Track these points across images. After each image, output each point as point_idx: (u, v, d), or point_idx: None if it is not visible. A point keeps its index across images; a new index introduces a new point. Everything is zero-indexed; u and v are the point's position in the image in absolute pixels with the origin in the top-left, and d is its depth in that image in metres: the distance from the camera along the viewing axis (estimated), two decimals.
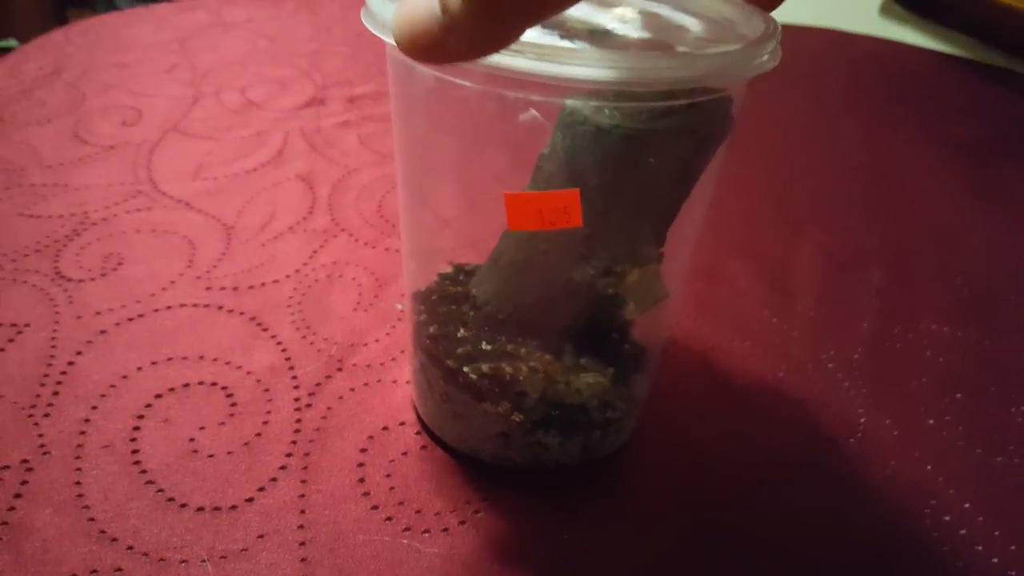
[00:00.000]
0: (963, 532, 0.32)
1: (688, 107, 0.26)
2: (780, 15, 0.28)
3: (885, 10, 1.16)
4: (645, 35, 0.29)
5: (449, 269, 0.33)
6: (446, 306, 0.32)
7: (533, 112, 0.26)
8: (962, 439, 0.37)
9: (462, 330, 0.31)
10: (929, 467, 0.35)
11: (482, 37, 0.18)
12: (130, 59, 0.72)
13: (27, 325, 0.38)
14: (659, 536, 0.31)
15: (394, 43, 0.21)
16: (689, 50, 0.27)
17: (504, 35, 0.18)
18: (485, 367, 0.30)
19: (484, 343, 0.30)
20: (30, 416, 0.33)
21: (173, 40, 0.77)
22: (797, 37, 0.97)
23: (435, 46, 0.19)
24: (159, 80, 0.68)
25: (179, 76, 0.69)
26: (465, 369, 0.30)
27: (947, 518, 0.33)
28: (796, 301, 0.46)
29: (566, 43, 0.28)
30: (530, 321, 0.31)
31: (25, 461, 0.32)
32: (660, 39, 0.29)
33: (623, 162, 0.27)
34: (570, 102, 0.26)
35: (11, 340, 0.37)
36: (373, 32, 0.24)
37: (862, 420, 0.37)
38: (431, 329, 0.32)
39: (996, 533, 0.32)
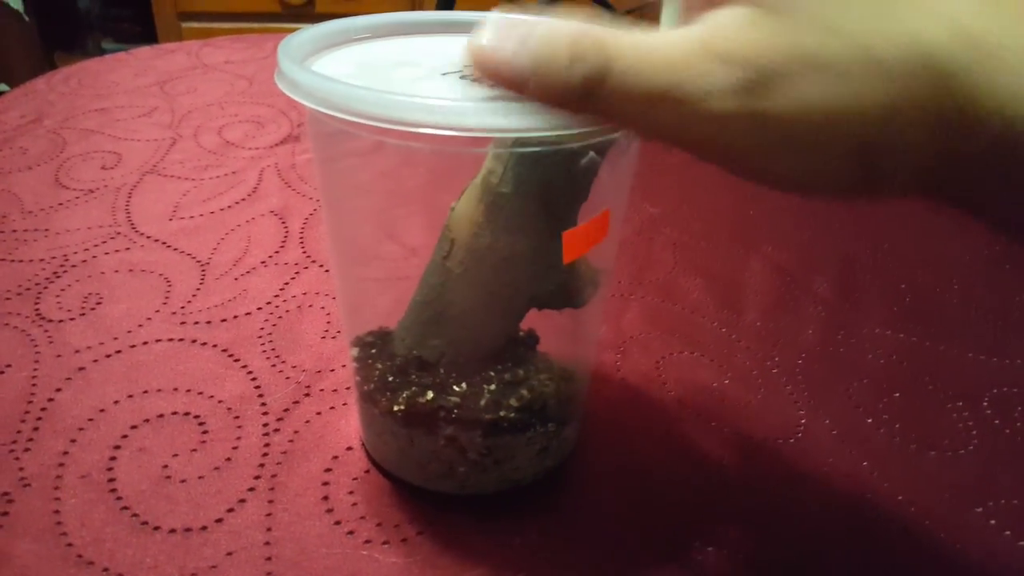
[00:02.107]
0: (895, 524, 0.34)
1: None
2: None
3: None
4: None
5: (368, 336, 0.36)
6: (375, 362, 0.34)
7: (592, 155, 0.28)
8: (898, 436, 0.39)
9: (391, 377, 0.33)
10: (865, 463, 0.37)
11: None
12: (111, 104, 0.74)
13: (8, 366, 0.40)
14: (607, 544, 0.33)
15: (320, 109, 0.24)
16: None
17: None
18: (422, 399, 0.32)
19: (415, 388, 0.33)
20: (11, 451, 0.35)
21: (153, 84, 0.80)
22: None
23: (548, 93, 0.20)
24: (138, 124, 0.70)
25: (158, 119, 0.72)
26: (396, 408, 0.32)
27: (881, 510, 0.35)
28: (744, 314, 0.48)
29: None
30: (468, 354, 0.34)
31: (6, 494, 0.33)
32: None
33: (588, 178, 0.29)
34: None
35: None
36: (289, 95, 0.27)
37: (802, 422, 0.39)
38: (366, 387, 0.34)
39: (927, 522, 0.34)
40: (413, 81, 0.32)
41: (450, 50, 0.34)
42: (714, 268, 0.52)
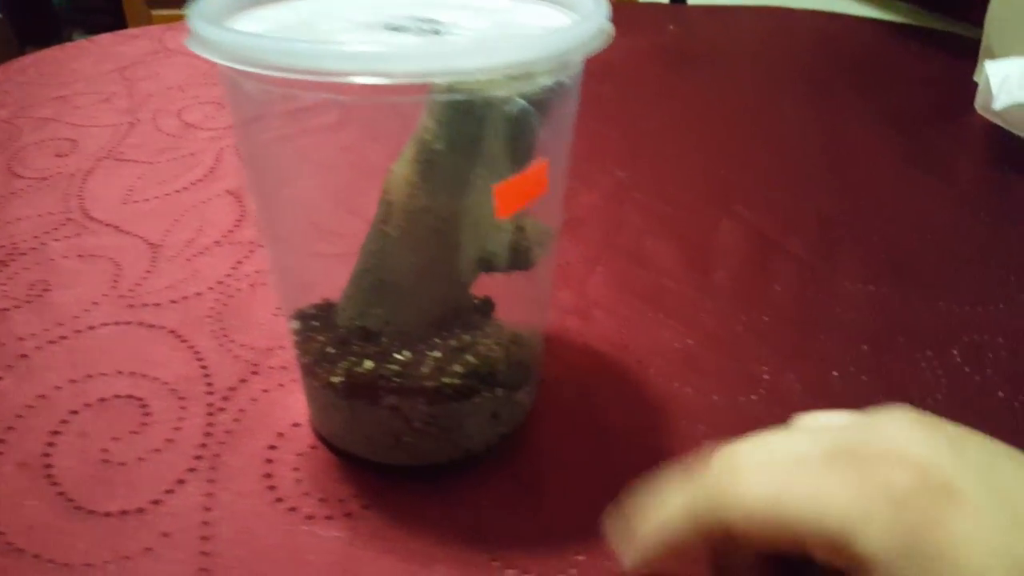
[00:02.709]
0: None
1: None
2: None
3: None
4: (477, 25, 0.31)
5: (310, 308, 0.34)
6: (316, 334, 0.33)
7: None
8: (865, 387, 0.38)
9: (330, 349, 0.32)
10: None
11: None
12: (70, 92, 0.73)
13: None
14: (563, 511, 0.32)
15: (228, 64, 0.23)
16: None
17: None
18: (360, 368, 0.31)
19: (352, 358, 0.31)
20: None
21: (114, 70, 0.78)
22: (738, 17, 0.98)
23: None
24: (96, 110, 0.69)
25: (117, 104, 0.70)
26: (334, 380, 0.31)
27: None
28: (713, 275, 0.47)
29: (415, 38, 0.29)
30: (414, 321, 0.32)
31: None
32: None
33: (525, 131, 0.28)
34: (452, 81, 0.27)
35: None
36: (202, 56, 0.25)
37: (766, 378, 0.38)
38: (304, 359, 0.33)
39: None
40: (333, 33, 0.31)
41: (374, 3, 0.32)
42: (684, 231, 0.51)
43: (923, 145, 0.64)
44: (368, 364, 0.31)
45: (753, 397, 0.37)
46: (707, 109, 0.70)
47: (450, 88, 0.27)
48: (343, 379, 0.31)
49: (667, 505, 0.27)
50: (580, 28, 0.27)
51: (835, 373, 0.38)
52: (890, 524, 0.22)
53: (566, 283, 0.45)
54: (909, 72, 0.80)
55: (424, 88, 0.27)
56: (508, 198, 0.27)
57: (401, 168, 0.30)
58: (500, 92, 0.27)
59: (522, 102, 0.26)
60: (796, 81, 0.76)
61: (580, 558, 0.30)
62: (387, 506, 0.32)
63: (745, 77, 0.77)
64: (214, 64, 0.26)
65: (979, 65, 0.72)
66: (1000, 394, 0.38)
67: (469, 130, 0.28)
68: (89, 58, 0.82)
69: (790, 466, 0.24)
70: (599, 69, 0.77)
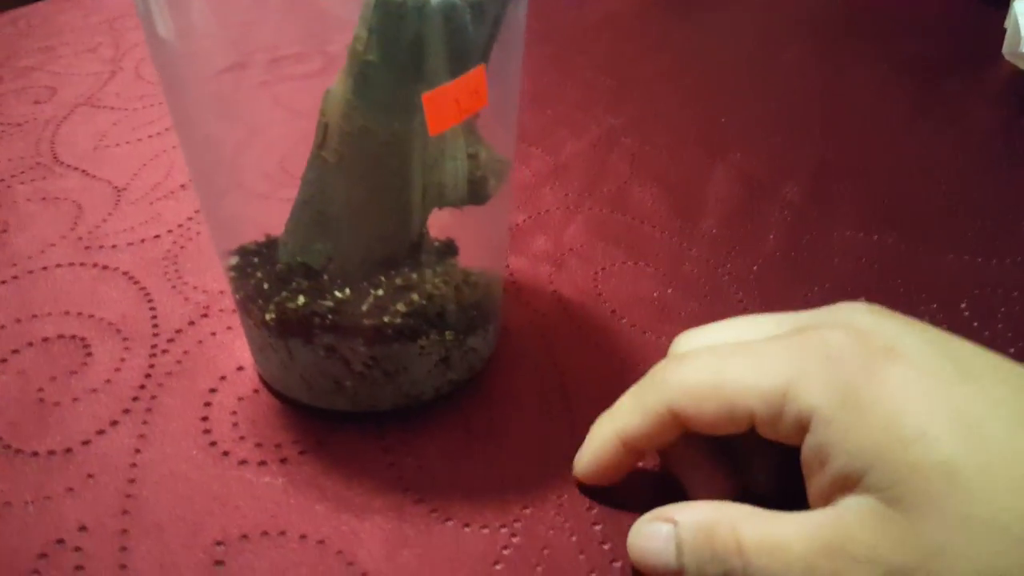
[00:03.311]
0: None
1: None
2: None
3: None
4: None
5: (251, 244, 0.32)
6: (255, 271, 0.31)
7: None
8: None
9: (266, 285, 0.30)
10: None
11: None
12: (56, 42, 0.71)
13: None
14: (513, 465, 0.29)
15: None
16: None
17: None
18: (293, 304, 0.29)
19: (285, 293, 0.29)
20: None
21: (103, 22, 0.77)
22: None
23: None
24: (80, 59, 0.67)
25: (101, 54, 0.68)
26: (267, 317, 0.29)
27: None
28: (700, 222, 0.44)
29: None
30: (359, 258, 0.30)
31: None
32: None
33: (461, 37, 0.25)
34: None
35: None
36: None
37: None
38: (238, 296, 0.31)
39: None
40: None
41: None
42: (673, 177, 0.48)
43: (938, 93, 0.60)
44: (300, 300, 0.29)
45: None
46: (707, 56, 0.66)
47: None
48: (275, 316, 0.29)
49: (619, 406, 0.27)
50: None
51: None
52: (827, 378, 0.22)
53: (543, 230, 0.43)
54: (930, 19, 0.75)
55: None
56: (440, 109, 0.25)
57: (337, 87, 0.28)
58: None
59: (460, 3, 0.24)
60: (803, 27, 0.72)
61: (526, 511, 0.28)
62: (326, 453, 0.30)
63: (749, 23, 0.74)
64: None
65: (1010, 9, 0.68)
66: (1011, 350, 0.35)
67: (403, 37, 0.25)
68: (79, 10, 0.80)
69: (732, 347, 0.25)
70: (599, 20, 0.74)
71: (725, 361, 0.24)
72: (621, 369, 0.34)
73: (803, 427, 0.22)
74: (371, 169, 0.29)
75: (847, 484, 0.21)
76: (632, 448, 0.26)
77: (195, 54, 0.30)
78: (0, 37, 0.72)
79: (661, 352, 0.34)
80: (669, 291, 0.38)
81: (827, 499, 0.22)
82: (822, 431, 0.21)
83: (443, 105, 0.25)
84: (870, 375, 0.21)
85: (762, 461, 0.26)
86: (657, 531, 0.24)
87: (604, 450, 0.27)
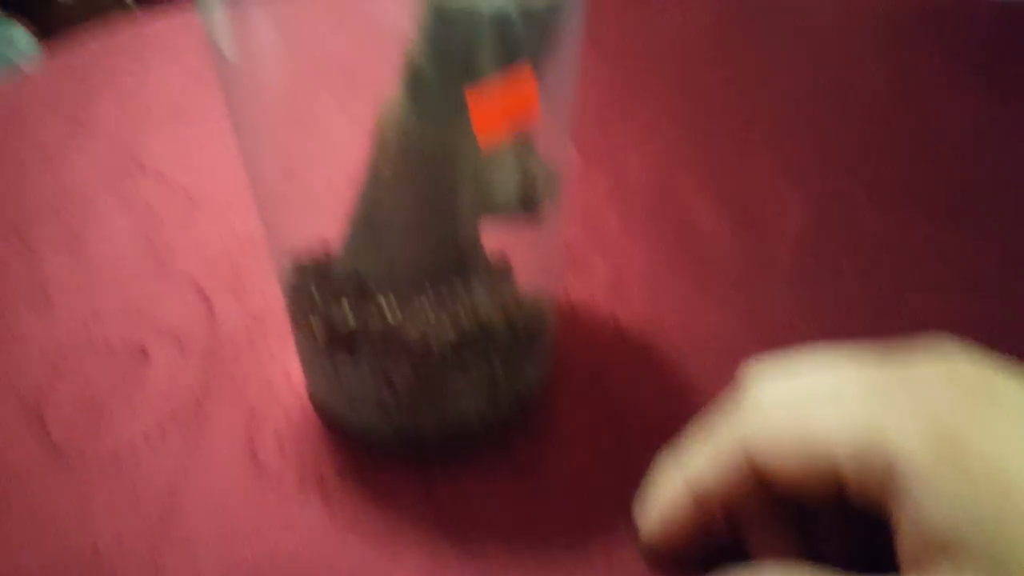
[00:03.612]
0: None
1: None
2: None
3: None
4: None
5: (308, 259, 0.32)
6: (311, 283, 0.31)
7: None
8: None
9: (320, 298, 0.29)
10: None
11: None
12: (150, 54, 0.74)
13: None
14: (563, 514, 0.28)
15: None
16: None
17: None
18: (342, 319, 0.28)
19: (335, 307, 0.29)
20: None
21: (195, 38, 0.79)
22: None
23: None
24: (171, 73, 0.69)
25: (192, 69, 0.71)
26: (316, 331, 0.29)
27: None
28: (773, 253, 0.42)
29: None
30: (408, 271, 0.29)
31: None
32: None
33: (514, 48, 0.24)
34: None
35: None
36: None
37: None
38: (292, 308, 0.31)
39: None
40: None
41: None
42: (745, 203, 0.46)
43: (1005, 92, 0.56)
44: (350, 315, 0.28)
45: None
46: (784, 78, 0.64)
47: (436, 1, 0.24)
48: (325, 331, 0.29)
49: (687, 449, 0.25)
50: None
51: None
52: (923, 424, 0.20)
53: (602, 253, 0.41)
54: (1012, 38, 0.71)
55: None
56: (487, 115, 0.24)
57: (392, 96, 0.28)
58: (494, 6, 0.24)
59: (504, 7, 0.23)
60: (885, 50, 0.69)
61: (570, 558, 0.26)
62: (366, 481, 0.29)
63: (828, 48, 0.70)
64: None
65: None
66: None
67: (454, 44, 0.24)
68: (176, 27, 0.83)
69: (815, 385, 0.23)
70: (671, 38, 0.73)
71: (809, 402, 0.22)
72: (681, 408, 0.32)
73: (894, 479, 0.20)
74: (423, 178, 0.28)
75: (944, 550, 0.18)
76: (703, 504, 0.24)
77: (260, 69, 0.30)
78: (100, 49, 0.76)
79: (724, 390, 0.32)
80: (737, 326, 0.36)
81: (919, 565, 0.19)
82: (916, 485, 0.19)
83: (490, 110, 0.24)
84: (972, 423, 0.19)
85: (841, 529, 0.24)
86: None
87: (673, 508, 0.24)
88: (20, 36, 2.24)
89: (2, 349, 0.36)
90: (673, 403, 0.32)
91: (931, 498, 0.19)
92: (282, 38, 0.29)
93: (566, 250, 0.41)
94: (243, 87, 0.30)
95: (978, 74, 0.62)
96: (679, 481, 0.24)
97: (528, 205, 0.28)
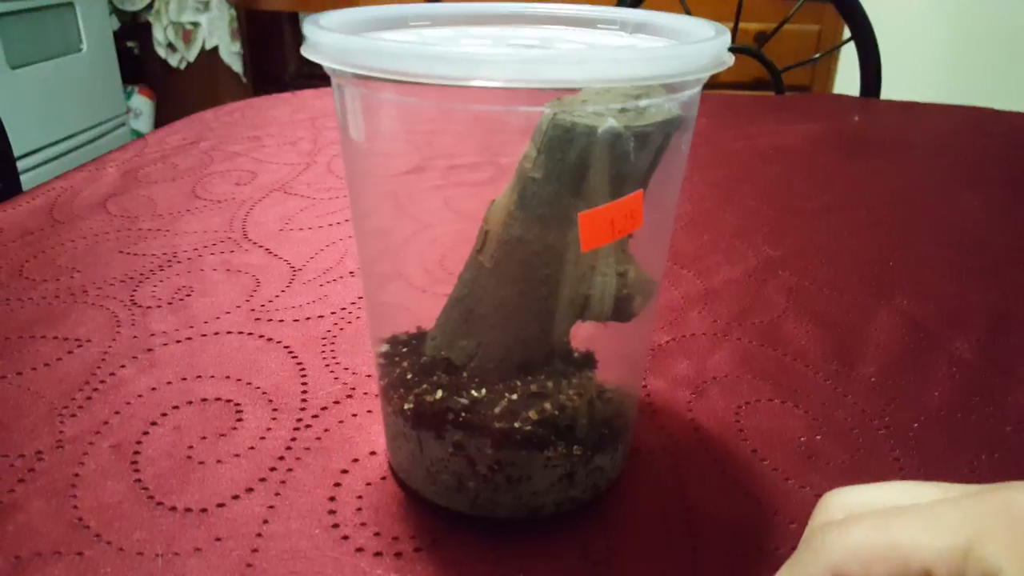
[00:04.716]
0: None
1: (664, 100, 0.26)
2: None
3: None
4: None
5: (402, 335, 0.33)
6: (402, 360, 0.32)
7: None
8: None
9: (410, 376, 0.31)
10: None
11: None
12: (263, 134, 0.79)
13: (88, 340, 0.42)
14: None
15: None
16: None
17: None
18: (431, 397, 0.29)
19: (426, 386, 0.30)
20: (59, 415, 0.36)
21: (306, 119, 0.85)
22: (931, 113, 0.91)
23: None
24: (281, 150, 0.74)
25: (300, 148, 0.75)
26: (406, 407, 0.30)
27: None
28: (858, 367, 0.41)
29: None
30: (499, 359, 0.30)
31: (39, 452, 0.34)
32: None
33: (623, 162, 0.26)
34: (554, 109, 0.26)
35: (70, 352, 0.41)
36: (315, 60, 0.26)
37: None
38: (383, 382, 0.32)
39: None
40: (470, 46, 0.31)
41: (517, 32, 0.32)
42: (832, 316, 0.46)
43: None
44: (439, 393, 0.29)
45: None
46: (875, 195, 0.64)
47: (554, 116, 0.26)
48: (412, 406, 0.30)
49: None
50: (707, 45, 0.25)
51: None
52: (1014, 537, 0.19)
53: (686, 355, 0.42)
54: None
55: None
56: (595, 228, 0.25)
57: (502, 198, 0.29)
58: (605, 123, 0.25)
59: (616, 125, 0.25)
60: (988, 178, 0.69)
61: None
62: (440, 554, 0.29)
63: (924, 168, 0.71)
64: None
65: None
66: None
67: (568, 158, 0.26)
68: (287, 107, 0.89)
69: (899, 507, 0.22)
70: (766, 151, 0.74)
71: (894, 519, 0.22)
72: (756, 512, 0.32)
73: None
74: (522, 276, 0.29)
75: None
76: None
77: (380, 155, 0.33)
78: (218, 124, 0.82)
79: (804, 502, 0.32)
80: (818, 437, 0.36)
81: None
82: None
83: (598, 224, 0.26)
84: None
85: None
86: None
87: None
88: (143, 104, 2.42)
89: (103, 396, 0.38)
90: (748, 505, 0.32)
91: None
92: (403, 127, 0.31)
93: (651, 347, 0.42)
94: (364, 165, 0.32)
95: None
96: None
97: (623, 310, 0.29)
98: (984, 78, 1.43)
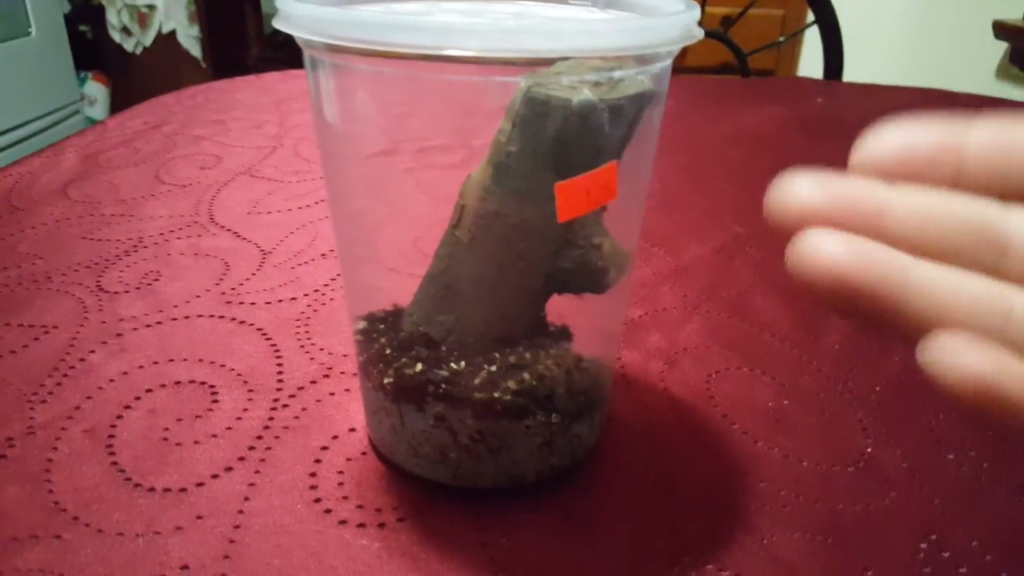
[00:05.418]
0: (963, 570, 0.28)
1: (636, 73, 0.27)
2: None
3: (1002, 73, 1.10)
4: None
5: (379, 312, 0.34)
6: (380, 336, 0.32)
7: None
8: (985, 476, 0.32)
9: (389, 351, 0.31)
10: (937, 501, 0.31)
11: None
12: (227, 117, 0.78)
13: (55, 327, 0.42)
14: (613, 555, 0.29)
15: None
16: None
17: None
18: (410, 370, 0.30)
19: (405, 359, 0.30)
20: (29, 402, 0.36)
21: (271, 102, 0.84)
22: (895, 95, 0.93)
23: None
24: (247, 134, 0.73)
25: (266, 131, 0.75)
26: (385, 381, 0.30)
27: (946, 554, 0.28)
28: (823, 336, 0.42)
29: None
30: (477, 333, 0.31)
31: (10, 439, 0.34)
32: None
33: (598, 134, 0.26)
34: (529, 82, 0.26)
35: (36, 339, 0.41)
36: (288, 32, 0.26)
37: (868, 451, 0.34)
38: (361, 358, 0.32)
39: (1003, 574, 0.28)
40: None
41: (490, 7, 0.33)
42: (797, 289, 0.47)
43: None
44: (419, 367, 0.30)
45: (850, 469, 0.33)
46: (842, 167, 0.66)
47: (529, 89, 0.26)
48: (392, 381, 0.30)
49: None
50: (678, 18, 0.26)
51: (951, 456, 0.33)
52: None
53: (659, 328, 0.42)
54: None
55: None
56: (571, 199, 0.26)
57: (478, 173, 0.30)
58: (580, 95, 0.26)
59: (591, 97, 0.25)
60: None
61: None
62: (423, 523, 0.30)
63: None
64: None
65: None
66: None
67: (543, 132, 0.27)
68: (252, 90, 0.88)
69: None
70: (734, 133, 0.75)
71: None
72: (728, 473, 0.32)
73: None
74: (499, 250, 0.30)
75: None
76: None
77: (352, 136, 0.33)
78: (180, 108, 0.80)
79: (773, 462, 0.33)
80: (785, 402, 0.37)
81: None
82: None
83: (574, 195, 0.26)
84: None
85: None
86: None
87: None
88: (98, 91, 2.36)
89: (73, 382, 0.37)
90: (720, 467, 0.33)
91: None
92: (378, 108, 0.31)
93: (624, 321, 0.43)
94: (338, 148, 0.32)
95: None
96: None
97: (598, 281, 0.30)
98: (942, 60, 1.47)
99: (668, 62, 0.28)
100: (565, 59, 0.26)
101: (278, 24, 0.27)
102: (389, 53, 0.25)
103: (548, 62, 0.27)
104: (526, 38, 0.24)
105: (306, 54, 0.29)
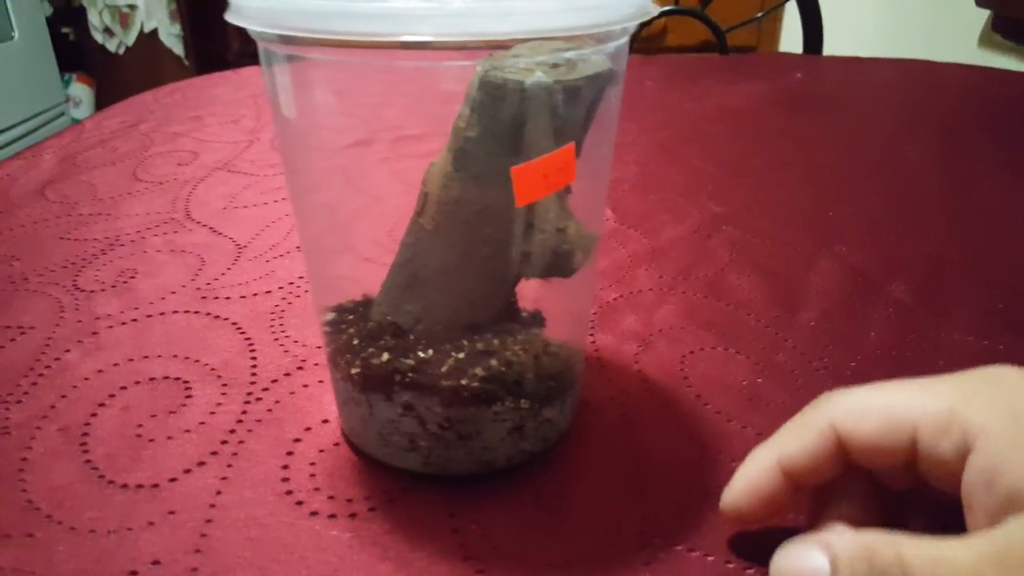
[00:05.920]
0: None
1: (593, 53, 0.27)
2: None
3: (985, 41, 1.09)
4: None
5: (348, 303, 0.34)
6: (348, 327, 0.32)
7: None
8: None
9: (356, 341, 0.31)
10: None
11: None
12: (204, 113, 0.78)
13: (32, 328, 0.41)
14: (586, 538, 0.29)
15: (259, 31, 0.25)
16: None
17: None
18: (377, 360, 0.30)
19: (372, 349, 0.30)
20: (3, 402, 0.36)
21: (248, 97, 0.84)
22: (875, 67, 0.93)
23: None
24: (223, 129, 0.73)
25: (243, 125, 0.74)
26: (353, 372, 0.30)
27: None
28: (799, 313, 0.42)
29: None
30: (446, 321, 0.31)
31: None
32: None
33: (555, 116, 0.26)
34: (485, 66, 0.26)
35: (12, 340, 0.40)
36: (240, 24, 0.26)
37: None
38: (329, 349, 0.32)
39: None
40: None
41: None
42: (774, 267, 0.47)
43: None
44: (386, 356, 0.30)
45: None
46: (818, 150, 0.65)
47: (485, 73, 0.26)
48: (360, 371, 0.30)
49: (776, 433, 0.27)
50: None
51: None
52: (995, 400, 0.22)
53: (633, 310, 0.42)
54: None
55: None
56: (529, 182, 0.26)
57: (439, 160, 0.30)
58: (533, 77, 0.26)
59: (545, 78, 0.25)
60: (925, 129, 0.70)
61: None
62: (394, 512, 0.30)
63: (865, 121, 0.72)
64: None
65: None
66: None
67: (500, 116, 0.26)
68: (229, 86, 0.88)
69: (899, 384, 0.25)
70: (712, 112, 0.75)
71: (892, 387, 0.25)
72: (702, 454, 0.32)
73: (967, 447, 0.22)
74: (464, 237, 0.30)
75: (1017, 502, 0.20)
76: (791, 473, 0.25)
77: (317, 130, 0.33)
78: (157, 106, 0.80)
79: (747, 440, 0.33)
80: (760, 380, 0.37)
81: (993, 521, 0.21)
82: (990, 450, 0.21)
83: (532, 179, 0.26)
84: None
85: (918, 508, 0.26)
86: (809, 552, 0.23)
87: (760, 476, 0.26)
88: (83, 92, 2.35)
89: (49, 381, 0.37)
90: (693, 447, 0.33)
91: (1005, 459, 0.21)
92: (336, 100, 0.31)
93: (598, 304, 0.43)
94: (298, 143, 0.32)
95: (1004, 148, 0.63)
96: (765, 453, 0.26)
97: (563, 265, 0.30)
98: (925, 30, 1.46)
99: (624, 40, 0.28)
100: (523, 41, 0.26)
101: (230, 18, 0.27)
102: (342, 42, 0.25)
103: (505, 45, 0.26)
104: (477, 21, 0.24)
105: (261, 48, 0.28)
